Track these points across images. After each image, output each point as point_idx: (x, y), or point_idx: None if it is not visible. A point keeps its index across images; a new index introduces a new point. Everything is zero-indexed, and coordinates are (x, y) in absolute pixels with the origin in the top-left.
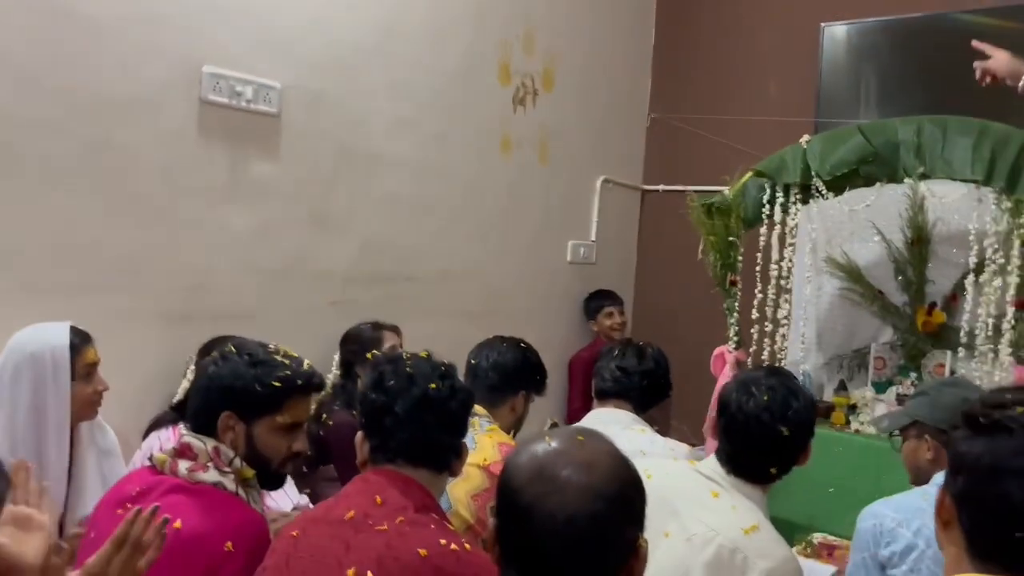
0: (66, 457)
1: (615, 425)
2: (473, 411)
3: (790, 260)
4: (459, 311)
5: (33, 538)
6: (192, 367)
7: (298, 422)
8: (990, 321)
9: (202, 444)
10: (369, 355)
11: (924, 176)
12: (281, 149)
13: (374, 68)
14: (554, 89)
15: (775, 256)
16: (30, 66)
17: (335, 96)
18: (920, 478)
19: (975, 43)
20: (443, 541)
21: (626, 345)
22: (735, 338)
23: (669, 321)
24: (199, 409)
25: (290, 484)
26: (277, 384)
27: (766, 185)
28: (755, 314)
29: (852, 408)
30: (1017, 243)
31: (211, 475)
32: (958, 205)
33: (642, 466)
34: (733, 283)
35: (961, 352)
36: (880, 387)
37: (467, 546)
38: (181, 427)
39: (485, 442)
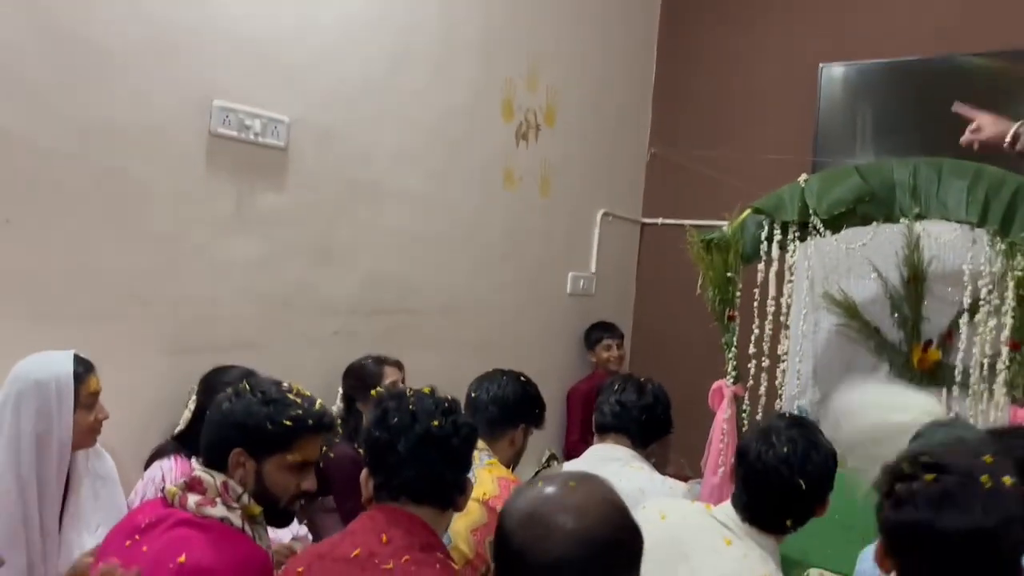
0: (63, 483)
1: (614, 462)
2: None
3: (788, 296)
4: (459, 342)
5: None
6: (194, 397)
7: (308, 461)
8: (985, 361)
9: (212, 479)
10: (373, 392)
11: (920, 216)
12: (288, 181)
13: (380, 103)
14: (556, 124)
15: (773, 292)
16: (45, 95)
17: (342, 130)
18: None
19: (956, 107)
20: None
21: (626, 380)
22: (733, 372)
23: (667, 354)
24: (211, 443)
25: None
26: (288, 423)
27: (764, 222)
28: (753, 349)
29: None
30: (1011, 284)
31: (218, 510)
32: (953, 244)
33: (657, 506)
34: (731, 318)
35: (956, 391)
36: None
37: None
38: (193, 461)
39: (485, 476)
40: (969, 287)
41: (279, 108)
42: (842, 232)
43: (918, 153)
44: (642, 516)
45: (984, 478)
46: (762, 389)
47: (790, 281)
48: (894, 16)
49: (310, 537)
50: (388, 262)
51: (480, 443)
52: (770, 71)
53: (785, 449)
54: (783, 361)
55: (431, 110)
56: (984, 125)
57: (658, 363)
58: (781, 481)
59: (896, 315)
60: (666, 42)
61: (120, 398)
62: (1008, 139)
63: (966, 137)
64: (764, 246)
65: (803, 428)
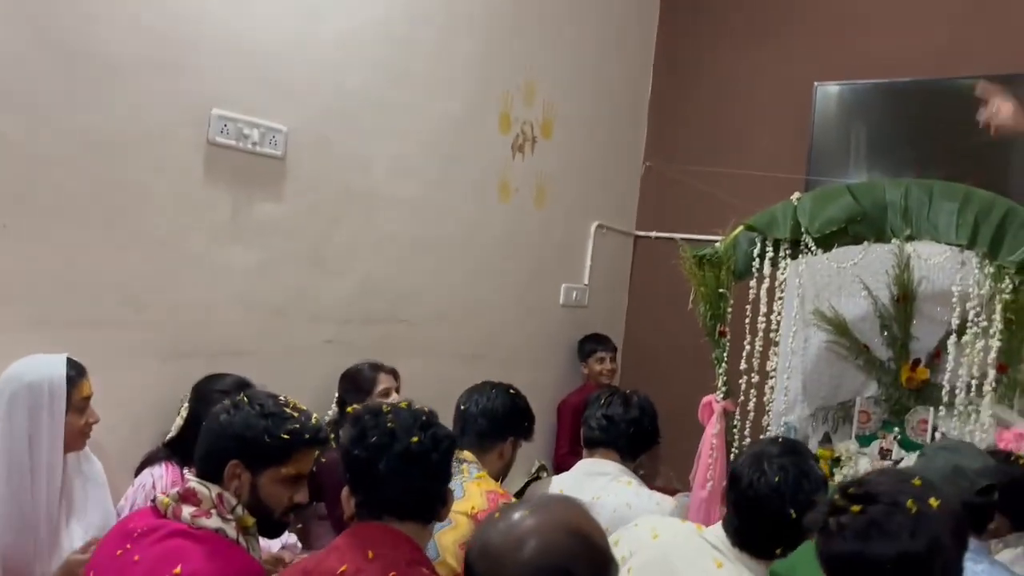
0: (57, 485)
1: (603, 477)
2: (462, 458)
3: (778, 313)
4: (452, 352)
5: None
6: (186, 404)
7: (302, 474)
8: (972, 382)
9: (207, 491)
10: (349, 409)
11: (910, 237)
12: (285, 190)
13: (379, 113)
14: (552, 136)
15: (764, 309)
16: (45, 103)
17: (340, 140)
18: None
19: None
20: None
21: (612, 393)
22: (723, 388)
23: (658, 366)
24: (207, 455)
25: None
26: (286, 437)
27: (757, 239)
28: (744, 365)
29: (836, 461)
30: (999, 307)
31: (213, 521)
32: (943, 266)
33: (650, 524)
34: (722, 334)
35: (943, 411)
36: (864, 440)
37: None
38: (187, 472)
39: (473, 490)
40: (957, 308)
41: (278, 118)
42: (833, 251)
43: (911, 173)
44: (634, 534)
45: (909, 503)
46: (751, 405)
47: (780, 298)
48: (889, 38)
49: (299, 546)
50: (382, 271)
51: (469, 456)
52: (765, 89)
53: (777, 478)
54: (771, 377)
55: (429, 121)
56: (1003, 108)
57: (649, 375)
58: (772, 510)
59: (885, 333)
60: (663, 58)
61: (113, 403)
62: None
63: (983, 115)
64: (756, 263)
65: (795, 455)
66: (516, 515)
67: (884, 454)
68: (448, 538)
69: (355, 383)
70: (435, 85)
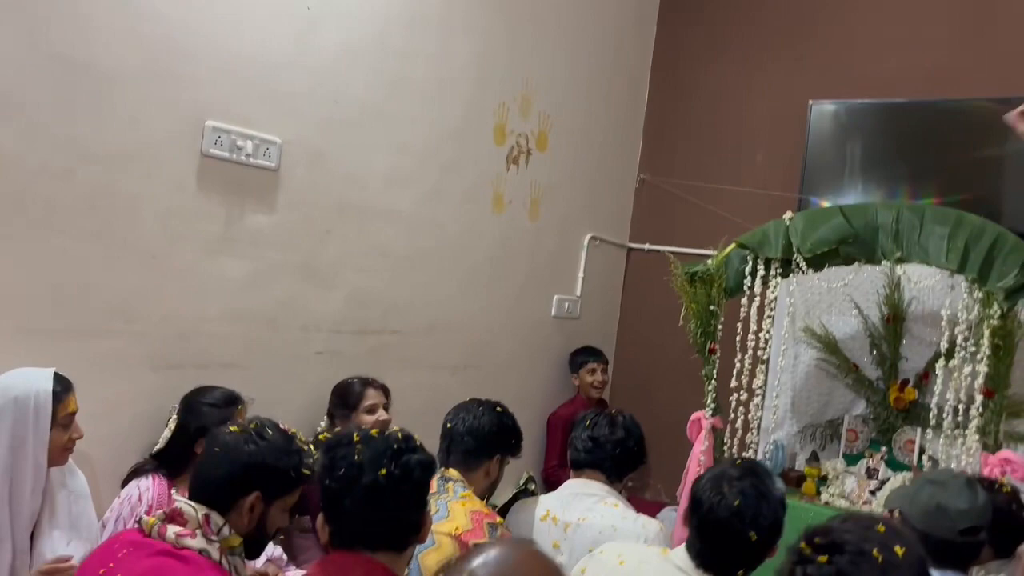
0: (38, 499)
1: (589, 498)
2: (448, 476)
3: (767, 331)
4: (443, 363)
5: None
6: (174, 416)
7: (294, 503)
8: (960, 406)
9: (193, 511)
10: (321, 436)
11: (900, 260)
12: (278, 202)
13: (373, 125)
14: (547, 149)
15: (753, 327)
16: (39, 114)
17: (334, 151)
18: None
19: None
20: None
21: (598, 414)
22: (712, 405)
23: (648, 380)
24: (222, 482)
25: None
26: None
27: (748, 257)
28: (733, 383)
29: (823, 479)
30: (987, 332)
31: (198, 542)
32: (932, 289)
33: (616, 551)
34: (712, 351)
35: (930, 433)
36: (851, 459)
37: None
38: (174, 493)
39: (458, 510)
40: (946, 332)
41: (272, 129)
42: (824, 271)
43: (905, 192)
44: (600, 560)
45: (875, 552)
46: (739, 422)
47: (770, 316)
48: (885, 58)
49: (284, 557)
50: (375, 282)
51: (454, 474)
52: (761, 106)
53: (736, 502)
54: (759, 395)
55: (424, 133)
56: None
57: (638, 388)
58: (733, 532)
59: (875, 352)
60: (659, 73)
61: (101, 413)
62: None
63: (1011, 117)
64: (747, 281)
65: (754, 477)
66: (474, 562)
67: (871, 473)
68: (431, 559)
69: (343, 397)
70: (431, 97)
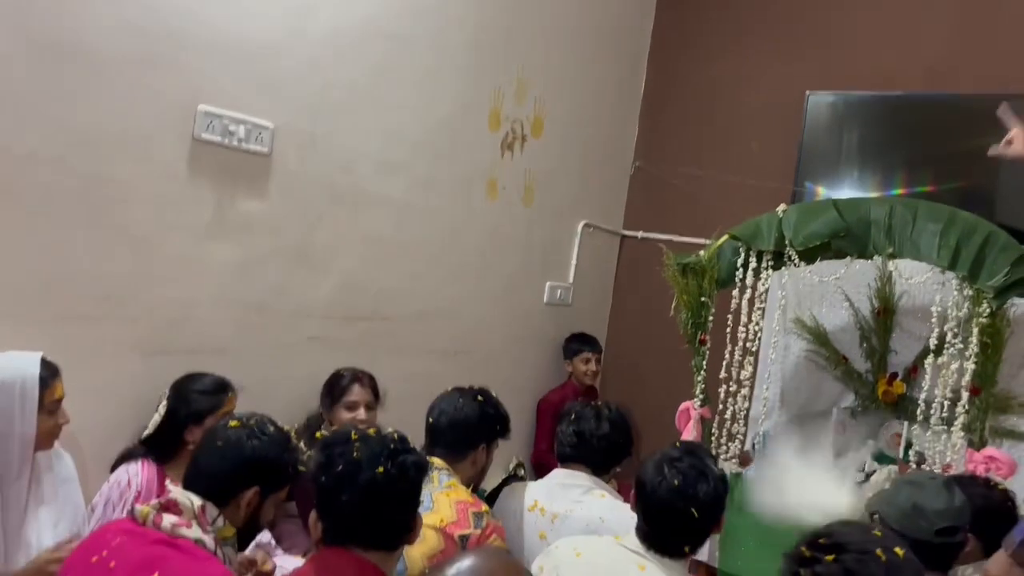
0: (24, 483)
1: (576, 489)
2: (433, 464)
3: (757, 324)
4: (435, 348)
5: None
6: (164, 402)
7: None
8: (945, 403)
9: (188, 502)
10: (318, 434)
11: (892, 255)
12: (270, 187)
13: (367, 111)
14: (542, 135)
15: (744, 319)
16: (30, 100)
17: (327, 137)
18: None
19: (1001, 111)
20: None
21: (584, 407)
22: (701, 395)
23: (638, 368)
24: (222, 476)
25: None
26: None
27: (741, 249)
28: (723, 374)
29: None
30: (976, 330)
31: (193, 532)
32: (923, 284)
33: (571, 545)
34: (703, 342)
35: (916, 428)
36: None
37: None
38: (169, 483)
39: (442, 501)
40: (936, 329)
41: (264, 114)
42: (816, 264)
43: (900, 184)
44: (556, 555)
45: (879, 552)
46: (728, 413)
47: (760, 307)
48: (882, 51)
49: (273, 542)
50: (367, 268)
51: (439, 462)
52: (757, 96)
53: (676, 481)
54: (745, 386)
55: (417, 118)
56: (1017, 140)
57: (629, 376)
58: (676, 511)
59: (864, 345)
60: (656, 60)
61: (91, 399)
62: None
63: (996, 150)
64: (739, 273)
65: (693, 456)
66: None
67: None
68: (416, 552)
69: (329, 387)
70: (425, 82)
